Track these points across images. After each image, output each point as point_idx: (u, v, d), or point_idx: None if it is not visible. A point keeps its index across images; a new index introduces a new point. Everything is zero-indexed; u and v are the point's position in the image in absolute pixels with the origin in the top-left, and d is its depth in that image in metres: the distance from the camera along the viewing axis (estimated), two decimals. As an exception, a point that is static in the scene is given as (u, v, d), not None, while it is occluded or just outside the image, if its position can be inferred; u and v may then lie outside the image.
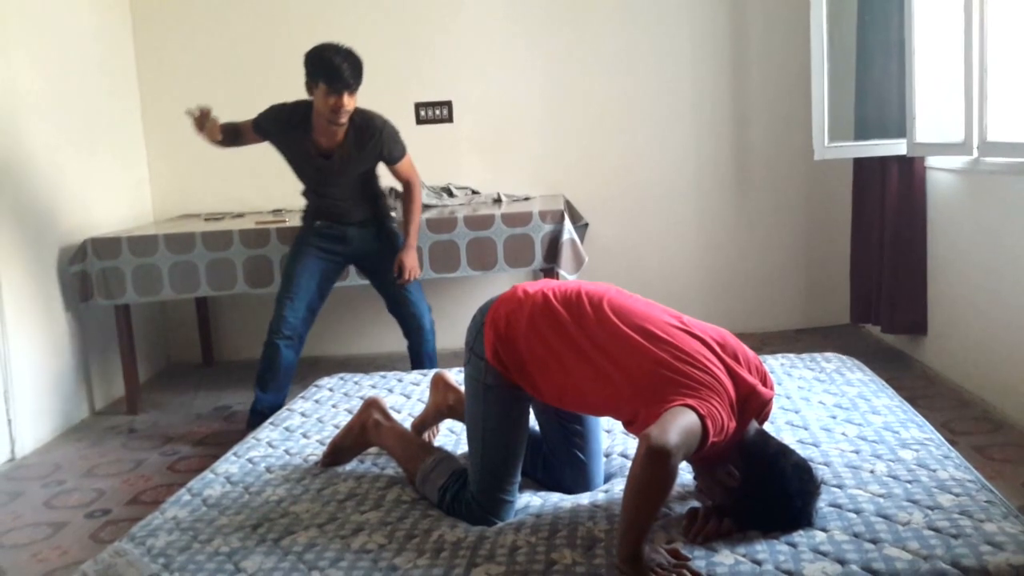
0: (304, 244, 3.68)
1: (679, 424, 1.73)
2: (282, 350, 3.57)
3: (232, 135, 3.58)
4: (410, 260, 3.64)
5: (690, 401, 1.78)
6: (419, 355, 3.77)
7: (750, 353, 1.99)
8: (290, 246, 3.80)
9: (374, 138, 3.50)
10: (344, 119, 3.40)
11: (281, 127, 3.53)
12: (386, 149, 3.54)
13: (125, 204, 4.78)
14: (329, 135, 3.47)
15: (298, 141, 3.51)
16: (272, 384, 3.60)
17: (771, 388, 1.98)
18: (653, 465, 1.68)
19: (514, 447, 2.09)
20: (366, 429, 2.42)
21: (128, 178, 4.87)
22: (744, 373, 1.91)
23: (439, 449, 2.31)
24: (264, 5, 4.92)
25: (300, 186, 3.72)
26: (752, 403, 1.90)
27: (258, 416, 3.50)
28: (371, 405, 2.45)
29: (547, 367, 2.00)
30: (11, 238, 3.77)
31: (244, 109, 3.65)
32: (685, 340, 1.92)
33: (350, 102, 3.36)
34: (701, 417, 1.76)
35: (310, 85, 3.36)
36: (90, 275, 4.07)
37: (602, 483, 2.24)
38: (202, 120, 3.46)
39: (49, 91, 4.11)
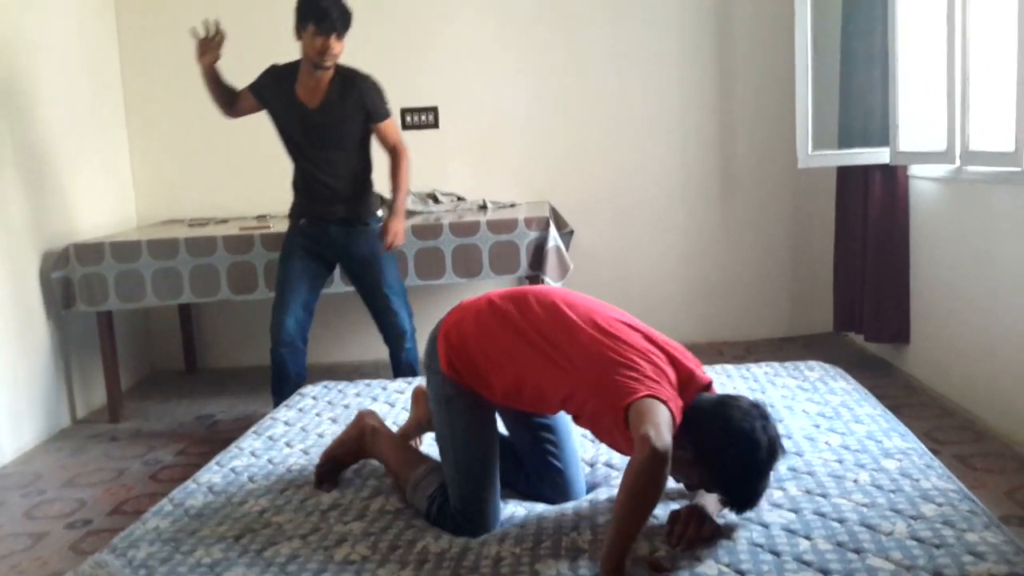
0: (290, 246, 3.68)
1: (661, 421, 1.76)
2: (284, 358, 3.61)
3: (230, 94, 3.60)
4: (394, 225, 3.60)
5: (643, 391, 1.82)
6: (399, 363, 3.74)
7: (689, 353, 2.06)
8: (280, 252, 3.78)
9: (357, 87, 3.52)
10: (330, 63, 3.44)
11: (273, 80, 3.57)
12: (369, 101, 3.54)
13: (108, 209, 4.75)
14: (313, 85, 3.50)
15: (286, 94, 3.54)
16: (287, 391, 3.58)
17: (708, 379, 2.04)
18: (655, 466, 1.70)
19: (486, 451, 2.10)
20: (363, 437, 2.38)
21: (112, 183, 4.84)
22: (683, 359, 1.99)
23: (431, 459, 2.29)
24: (250, 9, 4.90)
25: (285, 190, 3.70)
26: (692, 387, 1.96)
27: None
28: (366, 416, 2.43)
29: (500, 365, 2.06)
30: (-8, 244, 3.74)
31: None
32: (628, 333, 2.00)
33: (337, 46, 3.41)
34: (663, 403, 1.81)
35: (299, 29, 3.41)
36: (72, 281, 4.04)
37: (584, 492, 2.23)
38: (208, 43, 3.45)
39: (32, 95, 4.09)
